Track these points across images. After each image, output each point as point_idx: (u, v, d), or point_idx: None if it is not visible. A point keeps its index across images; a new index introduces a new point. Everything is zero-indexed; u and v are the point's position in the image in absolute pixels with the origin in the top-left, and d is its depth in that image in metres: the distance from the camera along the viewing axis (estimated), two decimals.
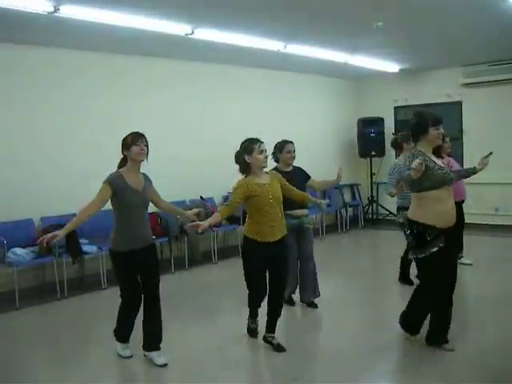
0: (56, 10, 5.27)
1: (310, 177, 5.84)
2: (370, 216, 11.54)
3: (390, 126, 11.31)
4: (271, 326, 4.79)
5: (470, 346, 4.66)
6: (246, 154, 4.54)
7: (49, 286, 6.70)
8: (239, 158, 4.59)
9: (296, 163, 5.79)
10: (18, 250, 6.40)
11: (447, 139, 6.88)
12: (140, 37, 6.62)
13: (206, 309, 6.01)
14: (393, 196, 6.15)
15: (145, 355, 4.58)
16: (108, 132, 7.29)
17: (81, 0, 5.22)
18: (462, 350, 4.50)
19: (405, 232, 4.54)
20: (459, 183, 6.57)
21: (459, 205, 6.73)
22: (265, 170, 4.73)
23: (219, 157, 7.74)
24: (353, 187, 11.63)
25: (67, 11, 5.38)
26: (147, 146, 4.36)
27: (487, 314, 5.55)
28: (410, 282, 6.49)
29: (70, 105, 7.22)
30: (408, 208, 4.56)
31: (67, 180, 7.08)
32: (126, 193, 4.26)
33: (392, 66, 10.18)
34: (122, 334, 4.67)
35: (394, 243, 7.82)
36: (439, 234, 4.27)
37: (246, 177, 4.60)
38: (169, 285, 7.24)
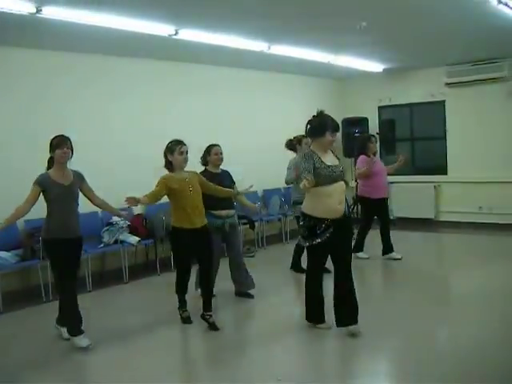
0: (38, 10, 5.22)
1: (234, 182, 6.27)
2: (356, 215, 11.56)
3: (374, 126, 11.35)
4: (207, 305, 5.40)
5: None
6: (169, 153, 5.27)
7: (33, 289, 6.64)
8: (165, 155, 5.31)
9: (280, 163, 5.89)
10: (2, 254, 6.33)
11: (373, 139, 7.84)
12: (123, 37, 6.59)
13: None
14: (290, 183, 6.94)
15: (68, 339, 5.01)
16: (90, 134, 7.32)
17: (63, 1, 5.17)
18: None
19: (298, 223, 5.08)
20: (379, 182, 7.57)
21: (384, 202, 7.83)
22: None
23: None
24: None
25: (50, 12, 5.33)
26: (71, 148, 4.87)
27: (471, 310, 5.59)
28: (302, 270, 6.82)
29: (51, 107, 7.16)
30: (301, 202, 5.07)
31: None
32: (52, 188, 4.79)
33: (376, 66, 10.22)
34: (77, 323, 4.95)
35: (375, 241, 7.89)
36: (328, 225, 4.76)
37: (169, 172, 5.31)
38: (155, 286, 7.26)
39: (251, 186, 5.87)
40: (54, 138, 4.86)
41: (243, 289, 6.34)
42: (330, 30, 7.09)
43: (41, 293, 6.49)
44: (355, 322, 4.86)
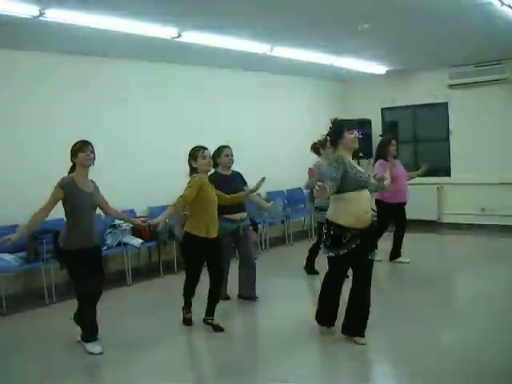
0: (41, 13, 5.24)
1: (246, 183, 6.23)
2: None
3: (377, 128, 11.35)
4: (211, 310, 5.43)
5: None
6: (192, 160, 5.24)
7: (37, 291, 6.64)
8: (188, 163, 5.28)
9: (283, 165, 5.86)
10: (6, 256, 6.34)
11: (393, 142, 7.62)
12: (127, 40, 6.59)
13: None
14: (308, 188, 6.80)
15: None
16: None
17: (66, 4, 5.18)
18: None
19: (322, 230, 4.95)
20: (398, 186, 7.33)
21: (401, 206, 7.78)
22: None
23: None
24: None
25: (52, 15, 5.35)
26: (93, 152, 4.80)
27: (474, 314, 5.57)
28: (316, 272, 7.03)
29: (56, 109, 7.18)
30: (325, 209, 4.91)
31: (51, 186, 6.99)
32: (76, 194, 4.70)
33: (379, 68, 10.22)
34: (93, 332, 4.92)
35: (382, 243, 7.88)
36: (354, 235, 4.52)
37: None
38: (158, 288, 7.27)
39: (263, 179, 5.71)
40: (74, 144, 4.79)
41: (249, 292, 6.31)
42: (333, 31, 7.09)
43: (44, 295, 6.49)
44: (362, 335, 4.74)
